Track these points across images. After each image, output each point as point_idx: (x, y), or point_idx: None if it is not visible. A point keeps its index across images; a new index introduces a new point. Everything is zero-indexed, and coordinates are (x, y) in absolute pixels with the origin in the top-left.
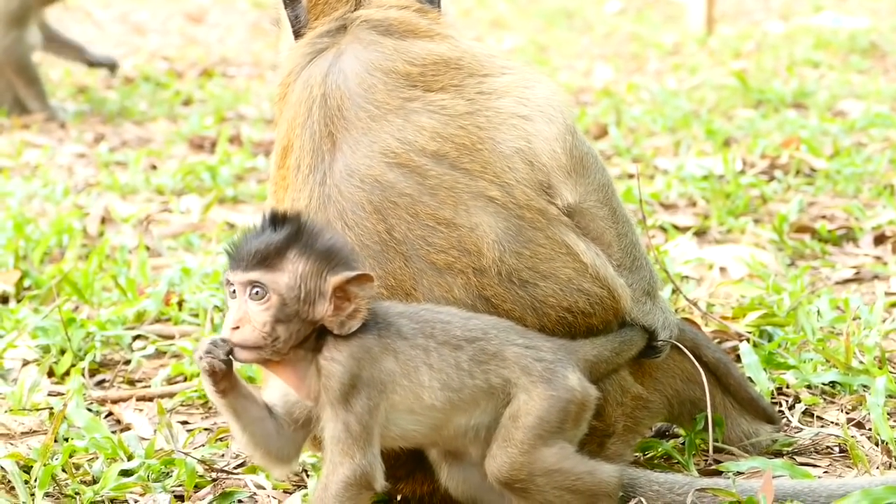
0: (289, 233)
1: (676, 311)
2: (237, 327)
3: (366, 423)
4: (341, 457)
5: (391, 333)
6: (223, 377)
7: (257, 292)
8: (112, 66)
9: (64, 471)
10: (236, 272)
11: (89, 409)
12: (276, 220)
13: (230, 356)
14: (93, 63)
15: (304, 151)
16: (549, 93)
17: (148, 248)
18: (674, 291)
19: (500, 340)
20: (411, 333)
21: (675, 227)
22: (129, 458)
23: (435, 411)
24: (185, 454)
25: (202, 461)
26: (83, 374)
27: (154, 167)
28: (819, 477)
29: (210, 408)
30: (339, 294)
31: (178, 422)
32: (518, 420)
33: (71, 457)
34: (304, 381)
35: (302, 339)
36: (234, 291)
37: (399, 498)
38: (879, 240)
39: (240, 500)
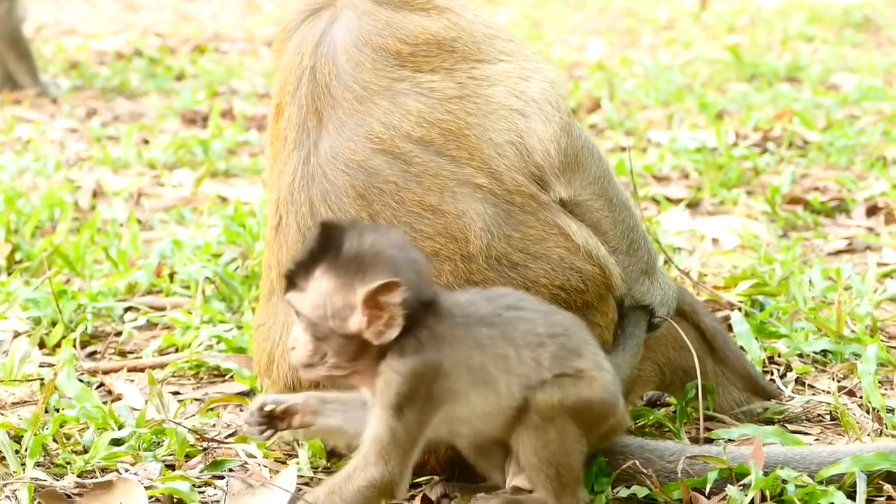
0: (315, 248)
1: None
2: (293, 347)
3: (413, 435)
4: (376, 458)
5: (467, 346)
6: (287, 426)
7: (295, 313)
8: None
9: (55, 440)
10: (285, 293)
11: (80, 380)
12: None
13: (270, 418)
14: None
15: (291, 123)
16: (546, 86)
17: (139, 222)
18: (666, 262)
19: (579, 339)
20: (490, 341)
21: (668, 200)
22: (120, 427)
23: (510, 409)
24: (177, 423)
25: (193, 430)
26: (74, 346)
27: (146, 141)
28: (810, 444)
29: (201, 378)
30: (370, 305)
31: (170, 392)
32: (580, 383)
33: (62, 427)
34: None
35: (356, 351)
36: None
37: None
38: (872, 211)
39: (230, 469)
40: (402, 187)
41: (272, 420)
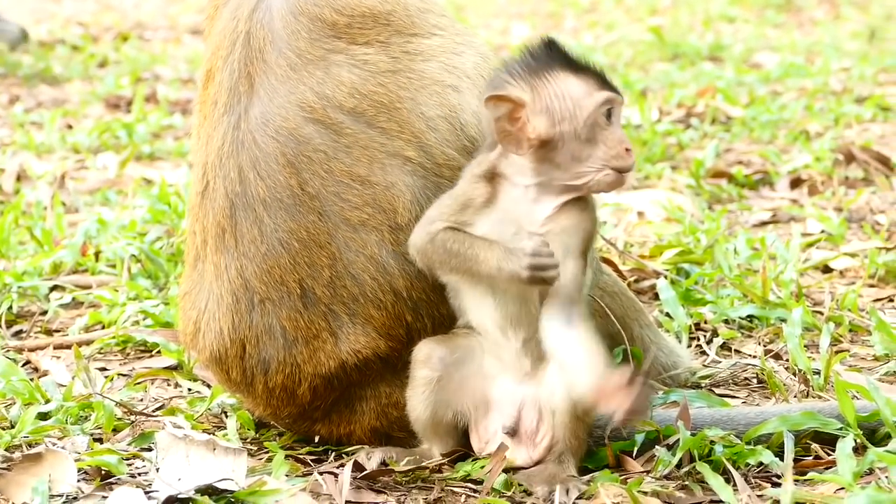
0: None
1: None
2: (629, 149)
3: None
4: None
5: None
6: None
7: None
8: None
9: None
10: (619, 94)
11: (6, 358)
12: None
13: None
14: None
15: (223, 88)
16: (478, 60)
17: (64, 204)
18: None
19: None
20: None
21: None
22: (47, 402)
23: None
24: (104, 397)
25: (120, 404)
26: None
27: (70, 127)
28: (737, 406)
29: (128, 353)
30: None
31: (97, 368)
32: None
33: None
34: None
35: None
36: (609, 113)
37: (317, 439)
38: (795, 183)
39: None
40: (331, 157)
41: None
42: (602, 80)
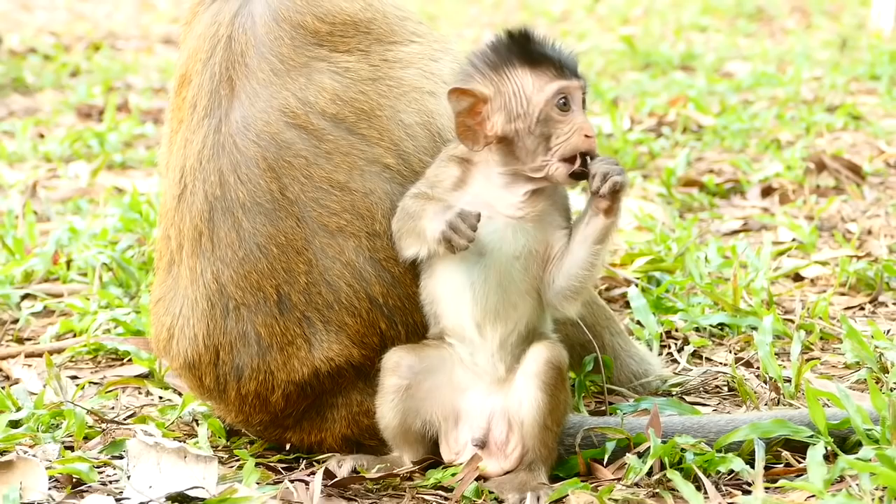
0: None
1: None
2: (590, 136)
3: None
4: None
5: None
6: None
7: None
8: None
9: None
10: (576, 80)
11: None
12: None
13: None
14: None
15: (203, 91)
16: (455, 66)
17: (35, 213)
18: None
19: None
20: None
21: None
22: (18, 409)
23: None
24: (75, 405)
25: (92, 412)
26: None
27: (42, 136)
28: (708, 414)
29: (99, 362)
30: None
31: (68, 377)
32: None
33: None
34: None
35: None
36: (564, 102)
37: (288, 447)
38: (767, 192)
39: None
40: (311, 163)
41: None
42: (559, 69)
